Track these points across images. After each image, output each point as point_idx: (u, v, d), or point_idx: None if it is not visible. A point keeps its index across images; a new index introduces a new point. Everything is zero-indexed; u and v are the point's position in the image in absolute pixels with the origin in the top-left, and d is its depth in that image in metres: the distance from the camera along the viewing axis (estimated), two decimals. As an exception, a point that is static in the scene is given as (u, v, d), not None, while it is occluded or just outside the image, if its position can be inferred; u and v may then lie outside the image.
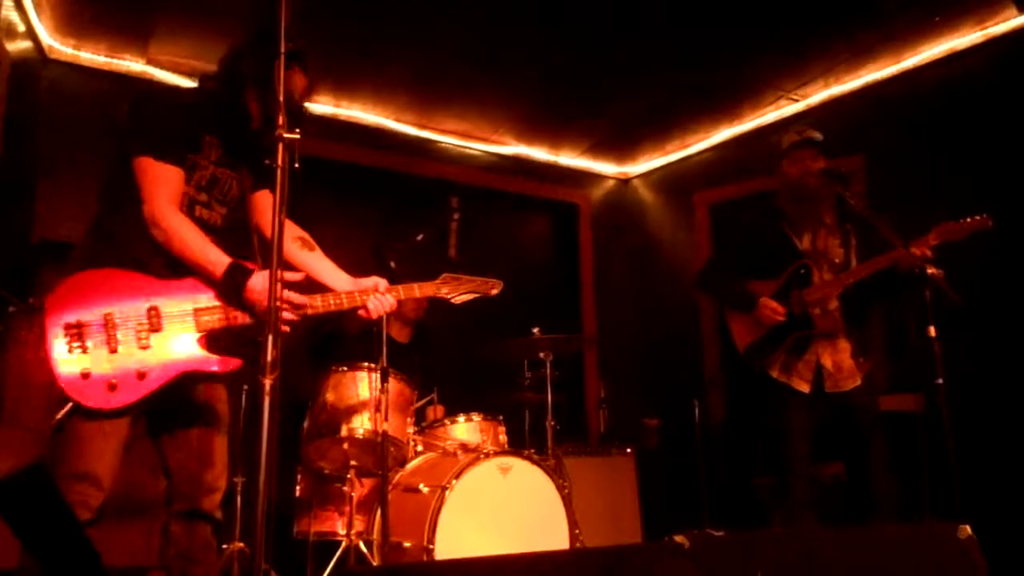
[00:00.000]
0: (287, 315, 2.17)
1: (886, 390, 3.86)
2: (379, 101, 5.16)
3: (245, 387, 3.84)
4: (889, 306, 3.77)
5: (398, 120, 5.38)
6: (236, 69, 2.29)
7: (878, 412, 3.33)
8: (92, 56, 4.41)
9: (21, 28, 4.01)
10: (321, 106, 5.10)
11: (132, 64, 4.53)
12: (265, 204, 2.49)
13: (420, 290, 2.56)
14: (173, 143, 2.20)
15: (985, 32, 4.34)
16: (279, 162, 1.82)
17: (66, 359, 2.03)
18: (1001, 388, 3.94)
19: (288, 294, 2.17)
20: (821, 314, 3.29)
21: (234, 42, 2.35)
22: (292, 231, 2.50)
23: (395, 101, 5.16)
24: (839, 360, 3.28)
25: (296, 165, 1.84)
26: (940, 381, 2.85)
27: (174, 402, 2.22)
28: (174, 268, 2.19)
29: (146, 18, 4.17)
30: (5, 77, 3.74)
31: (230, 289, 2.16)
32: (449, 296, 2.63)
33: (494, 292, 2.70)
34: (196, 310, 2.18)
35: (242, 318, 2.21)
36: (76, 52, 4.37)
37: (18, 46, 3.97)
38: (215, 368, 2.20)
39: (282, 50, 1.88)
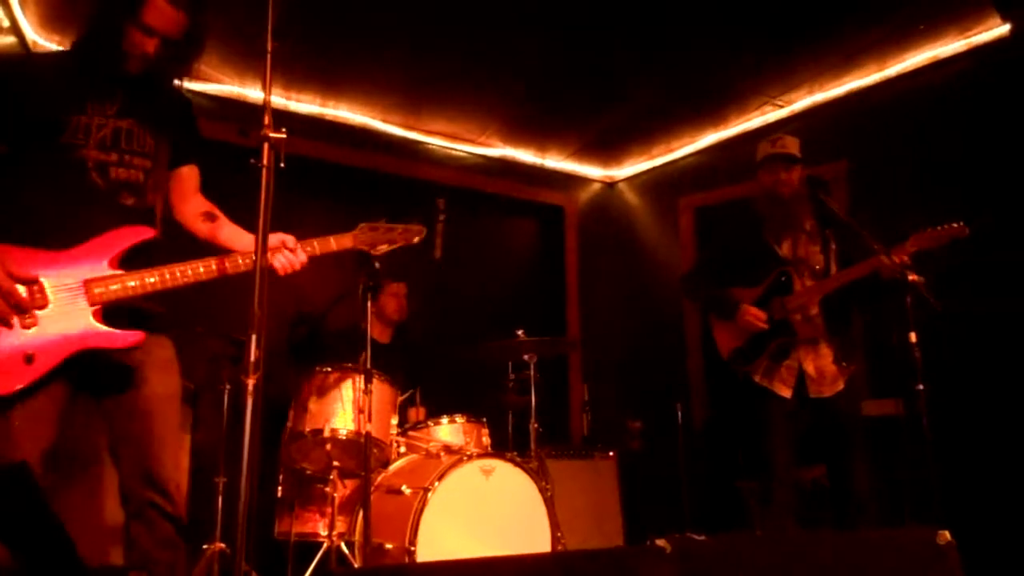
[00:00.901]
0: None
1: (867, 395, 3.89)
2: (366, 102, 5.15)
3: (227, 387, 3.82)
4: (871, 312, 3.81)
5: (385, 121, 5.37)
6: (104, 20, 2.17)
7: (860, 417, 3.36)
8: (76, 52, 4.38)
9: (5, 23, 3.97)
10: (307, 106, 5.08)
11: (117, 60, 4.50)
12: (189, 182, 2.39)
13: (336, 242, 2.38)
14: None
15: (968, 41, 4.39)
16: (264, 161, 1.81)
17: None
18: (982, 393, 3.98)
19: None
20: (802, 320, 3.32)
21: None
22: (199, 206, 2.40)
23: (382, 102, 5.16)
24: (821, 366, 3.30)
25: (282, 164, 1.83)
26: (920, 387, 2.87)
27: (111, 389, 2.10)
28: (62, 238, 2.05)
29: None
30: (-12, 72, 3.71)
31: None
32: (370, 246, 2.49)
33: (416, 240, 2.57)
34: (87, 281, 2.04)
35: (140, 287, 2.09)
36: (61, 48, 4.33)
37: (2, 41, 3.94)
38: (114, 343, 2.06)
39: (268, 49, 1.87)
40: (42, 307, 1.99)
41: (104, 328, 2.05)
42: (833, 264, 3.36)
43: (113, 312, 2.07)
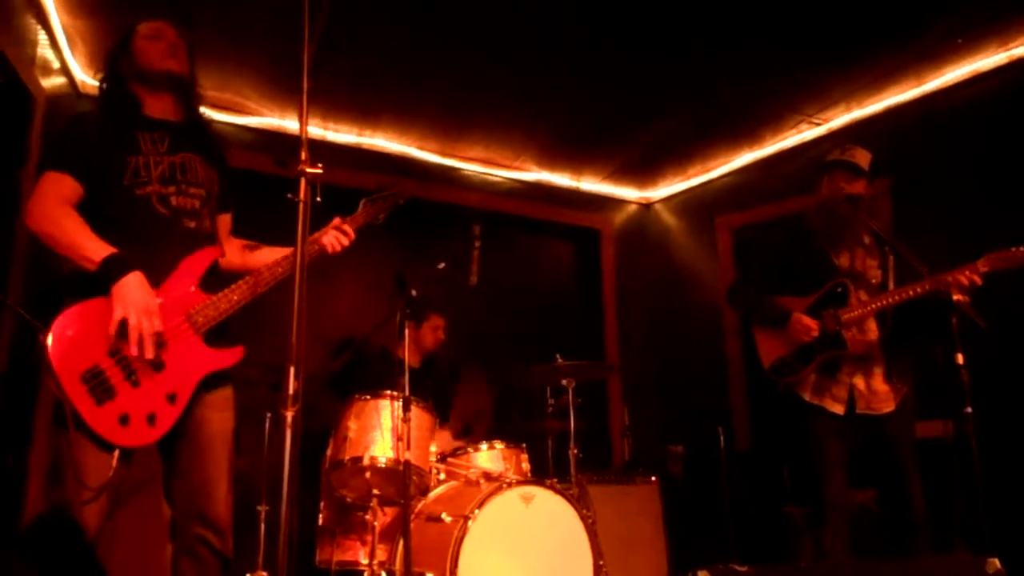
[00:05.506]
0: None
1: (915, 417, 3.79)
2: (402, 129, 5.21)
3: (268, 414, 3.86)
4: (932, 335, 3.66)
5: (421, 148, 5.43)
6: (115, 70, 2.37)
7: (914, 439, 3.23)
8: (122, 90, 4.50)
9: (56, 65, 4.11)
10: (344, 135, 5.16)
11: (161, 97, 4.61)
12: (224, 228, 2.52)
13: (354, 221, 2.63)
14: (68, 153, 2.22)
15: (1009, 53, 4.30)
16: (301, 196, 1.85)
17: (99, 410, 1.98)
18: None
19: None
20: (856, 335, 3.21)
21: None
22: (236, 244, 2.54)
23: (418, 130, 5.22)
24: (873, 384, 3.18)
25: (318, 199, 1.86)
26: (969, 409, 2.79)
27: (174, 432, 2.18)
28: (148, 276, 2.13)
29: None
30: (41, 113, 3.84)
31: (102, 282, 2.07)
32: (373, 216, 2.76)
33: (403, 201, 2.87)
34: (188, 315, 2.17)
35: (229, 305, 2.21)
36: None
37: (53, 82, 4.07)
38: (227, 361, 2.21)
39: (304, 87, 1.91)
40: (164, 347, 2.11)
41: (215, 351, 2.19)
42: (891, 280, 3.25)
43: (210, 335, 2.20)
